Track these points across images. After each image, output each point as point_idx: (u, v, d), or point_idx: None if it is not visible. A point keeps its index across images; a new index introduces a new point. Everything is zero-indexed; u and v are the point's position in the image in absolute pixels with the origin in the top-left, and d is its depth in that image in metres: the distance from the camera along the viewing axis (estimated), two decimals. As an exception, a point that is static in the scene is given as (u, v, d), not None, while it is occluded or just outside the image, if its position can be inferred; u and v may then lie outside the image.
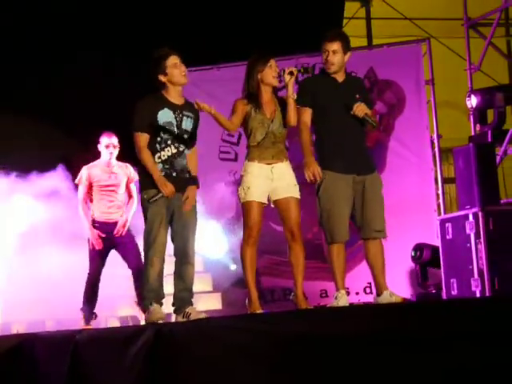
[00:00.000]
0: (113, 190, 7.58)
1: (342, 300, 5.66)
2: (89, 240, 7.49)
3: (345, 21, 11.29)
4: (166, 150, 5.72)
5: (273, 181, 5.81)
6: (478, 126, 9.30)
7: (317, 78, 6.23)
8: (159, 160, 5.71)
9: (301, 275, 5.82)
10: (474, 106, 9.19)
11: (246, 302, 5.84)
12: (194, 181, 5.83)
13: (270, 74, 5.83)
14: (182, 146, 5.76)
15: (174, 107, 5.76)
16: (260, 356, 3.00)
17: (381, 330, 2.74)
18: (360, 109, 5.75)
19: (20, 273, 8.21)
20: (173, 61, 5.75)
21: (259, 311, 5.77)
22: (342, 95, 5.80)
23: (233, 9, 10.56)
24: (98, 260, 7.50)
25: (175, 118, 5.74)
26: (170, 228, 5.75)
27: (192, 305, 5.71)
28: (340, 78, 5.90)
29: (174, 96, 5.79)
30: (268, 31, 10.29)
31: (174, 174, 5.72)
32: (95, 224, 7.51)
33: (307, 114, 5.87)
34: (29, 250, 8.21)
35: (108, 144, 7.59)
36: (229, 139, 9.46)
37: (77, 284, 7.51)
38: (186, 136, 5.78)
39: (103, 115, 8.14)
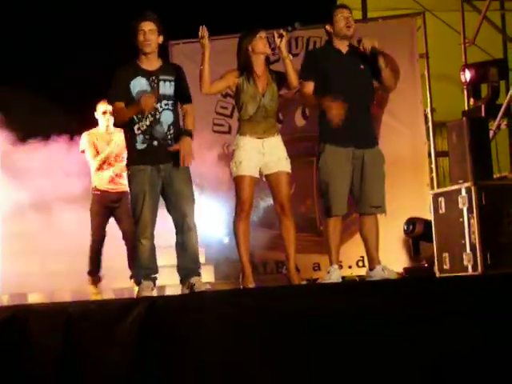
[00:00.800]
0: (113, 159, 7.56)
1: (335, 274, 5.68)
2: (91, 210, 7.52)
3: (340, -7, 11.24)
4: (143, 119, 5.60)
5: (264, 155, 5.80)
6: (471, 100, 9.30)
7: (320, 51, 6.22)
8: (139, 131, 5.61)
9: (292, 249, 5.85)
10: (468, 80, 9.18)
11: (240, 276, 5.86)
12: (186, 132, 5.65)
13: (260, 43, 5.81)
14: (157, 114, 5.60)
15: (147, 74, 5.63)
16: (250, 331, 3.02)
17: (370, 307, 2.75)
18: (367, 42, 5.71)
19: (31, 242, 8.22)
20: (142, 27, 5.60)
21: (252, 285, 5.80)
22: (345, 67, 5.77)
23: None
24: (99, 228, 7.52)
25: (150, 84, 5.61)
26: (164, 200, 5.68)
27: (198, 275, 5.63)
28: (344, 49, 5.87)
29: (147, 62, 5.65)
30: (261, 3, 10.25)
31: (155, 143, 5.62)
32: (95, 192, 7.52)
33: (309, 87, 5.84)
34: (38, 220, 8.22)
35: (105, 110, 7.56)
36: (222, 111, 9.43)
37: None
38: (165, 101, 5.63)
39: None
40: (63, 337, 4.57)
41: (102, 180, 7.53)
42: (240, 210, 5.82)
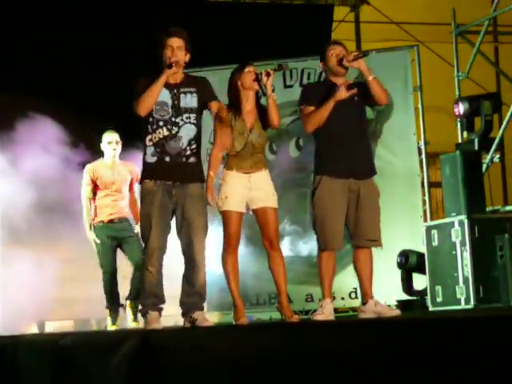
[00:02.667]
0: (116, 190, 7.54)
1: (327, 309, 5.66)
2: (95, 241, 7.50)
3: (334, 24, 11.31)
4: (157, 131, 5.43)
5: (251, 190, 5.79)
6: (465, 133, 9.34)
7: (318, 84, 6.20)
8: (150, 143, 5.45)
9: (284, 283, 5.83)
10: (462, 113, 9.21)
11: (232, 310, 5.84)
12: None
13: (248, 78, 5.81)
14: (175, 128, 5.44)
15: (170, 86, 5.48)
16: (243, 369, 3.00)
17: (362, 347, 2.74)
18: (349, 56, 5.72)
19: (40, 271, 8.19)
20: (171, 43, 5.48)
21: (244, 319, 5.77)
22: (344, 102, 5.74)
23: (222, 14, 10.57)
24: (108, 258, 7.52)
25: (171, 97, 5.46)
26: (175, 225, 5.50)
27: (202, 309, 5.49)
28: (340, 83, 5.87)
29: (170, 76, 5.48)
30: (257, 34, 10.30)
31: (167, 159, 5.44)
32: (100, 223, 7.50)
33: (311, 110, 5.80)
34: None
35: (111, 140, 7.56)
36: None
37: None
38: (187, 114, 5.47)
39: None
40: (53, 369, 4.53)
41: (104, 208, 7.52)
42: (228, 245, 5.81)
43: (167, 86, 5.47)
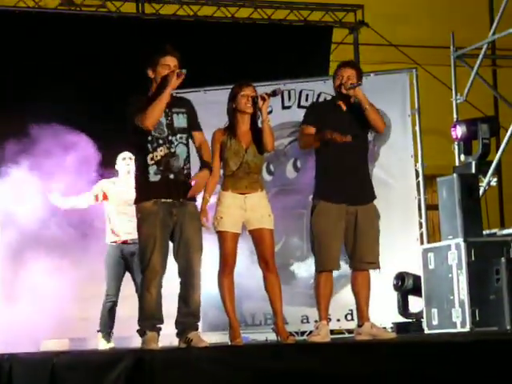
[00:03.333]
0: (130, 204, 7.50)
1: (323, 331, 5.65)
2: (105, 261, 7.50)
3: (333, 46, 11.34)
4: (158, 149, 5.37)
5: (246, 211, 5.80)
6: (462, 156, 9.36)
7: (323, 104, 6.17)
8: (152, 162, 5.37)
9: (279, 305, 5.83)
10: (459, 136, 9.24)
11: (228, 330, 5.83)
12: (205, 164, 5.45)
13: (242, 101, 5.82)
14: (173, 147, 5.40)
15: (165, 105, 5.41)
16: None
17: (356, 369, 2.74)
18: (345, 84, 5.72)
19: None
20: (168, 61, 5.39)
21: (239, 339, 5.76)
22: (345, 125, 5.73)
23: (221, 34, 10.61)
24: (115, 281, 7.51)
25: (165, 116, 5.41)
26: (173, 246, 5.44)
27: (196, 329, 5.42)
28: (345, 106, 5.87)
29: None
30: (255, 55, 10.34)
31: (172, 177, 5.38)
32: (115, 241, 7.49)
33: (311, 130, 5.79)
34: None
35: (124, 157, 7.56)
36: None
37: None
38: (180, 135, 5.43)
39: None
40: (47, 388, 4.52)
41: (121, 228, 7.49)
42: (223, 265, 5.81)
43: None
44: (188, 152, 5.51)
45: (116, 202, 7.52)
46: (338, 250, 5.74)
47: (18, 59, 9.76)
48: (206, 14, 10.83)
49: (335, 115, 5.83)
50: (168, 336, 6.53)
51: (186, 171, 5.46)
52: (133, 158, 7.36)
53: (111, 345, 7.54)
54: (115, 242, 7.52)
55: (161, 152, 5.38)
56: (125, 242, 7.49)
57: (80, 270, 7.88)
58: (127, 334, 7.53)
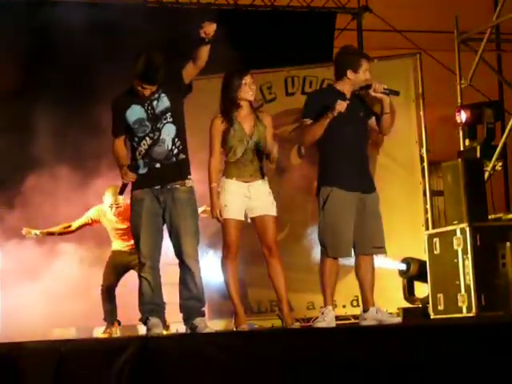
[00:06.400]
0: (124, 233, 7.73)
1: (329, 316, 5.65)
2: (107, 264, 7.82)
3: (336, 32, 11.31)
4: (141, 144, 5.43)
5: (250, 199, 5.80)
6: (467, 141, 9.34)
7: (325, 93, 6.09)
8: (139, 156, 5.44)
9: (284, 291, 5.83)
10: (464, 121, 9.22)
11: (233, 317, 5.84)
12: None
13: (245, 90, 5.81)
14: (156, 133, 5.40)
15: (141, 100, 5.42)
16: (243, 375, 3.00)
17: (362, 355, 2.74)
18: (377, 85, 5.70)
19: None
20: (145, 56, 5.32)
21: (245, 325, 5.77)
22: (349, 112, 5.70)
23: (223, 21, 10.54)
24: (112, 276, 7.76)
25: (146, 111, 5.43)
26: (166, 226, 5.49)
27: (202, 315, 5.43)
28: (348, 93, 5.84)
29: (143, 90, 5.39)
30: (259, 42, 10.30)
31: (158, 166, 5.44)
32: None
33: (308, 125, 5.78)
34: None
35: (111, 204, 7.76)
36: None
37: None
38: (163, 117, 5.41)
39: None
40: (54, 376, 4.53)
41: (116, 245, 7.87)
42: (227, 252, 5.82)
43: (139, 99, 5.43)
44: (178, 128, 5.48)
45: (110, 229, 7.90)
46: (351, 236, 5.72)
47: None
48: (209, 2, 10.79)
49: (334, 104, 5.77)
50: (174, 324, 6.57)
51: (176, 151, 5.44)
52: (120, 205, 7.64)
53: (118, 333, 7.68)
54: (119, 250, 7.87)
55: (144, 146, 5.44)
56: (123, 252, 7.81)
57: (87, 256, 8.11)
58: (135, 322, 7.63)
